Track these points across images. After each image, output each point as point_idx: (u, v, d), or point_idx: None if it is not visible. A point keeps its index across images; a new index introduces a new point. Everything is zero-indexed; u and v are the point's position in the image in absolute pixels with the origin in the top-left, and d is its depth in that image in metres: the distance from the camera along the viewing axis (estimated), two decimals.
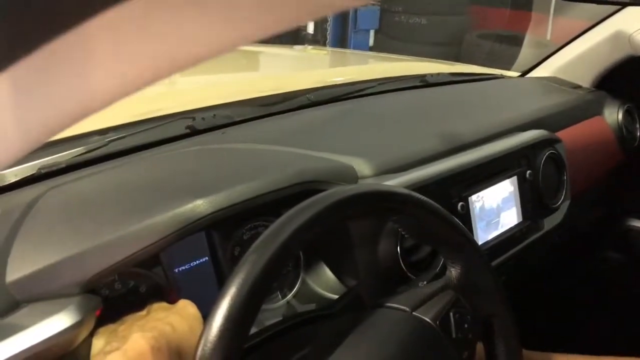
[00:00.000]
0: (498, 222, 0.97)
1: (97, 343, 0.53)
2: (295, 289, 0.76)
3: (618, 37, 1.40)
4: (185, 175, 0.71)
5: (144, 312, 0.59)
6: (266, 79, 1.41)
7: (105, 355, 0.50)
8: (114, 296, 0.61)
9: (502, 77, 1.54)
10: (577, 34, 1.50)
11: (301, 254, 0.77)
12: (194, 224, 0.61)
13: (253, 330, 0.50)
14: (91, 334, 0.54)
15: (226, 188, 0.64)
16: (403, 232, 0.62)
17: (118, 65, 0.22)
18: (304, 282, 0.77)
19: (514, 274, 1.04)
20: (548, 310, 1.65)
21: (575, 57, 1.50)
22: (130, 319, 0.57)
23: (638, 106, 1.49)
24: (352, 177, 0.77)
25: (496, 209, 0.96)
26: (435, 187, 0.81)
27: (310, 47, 2.33)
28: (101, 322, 0.55)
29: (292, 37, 3.66)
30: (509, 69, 1.64)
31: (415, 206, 0.57)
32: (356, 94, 1.15)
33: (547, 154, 1.07)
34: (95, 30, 0.19)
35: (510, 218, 1.00)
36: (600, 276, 1.56)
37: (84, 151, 0.76)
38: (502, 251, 0.96)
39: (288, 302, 0.76)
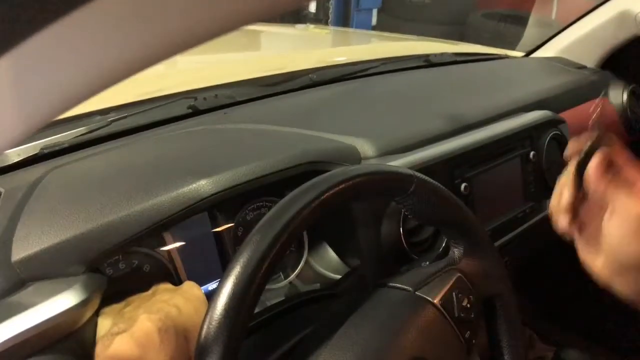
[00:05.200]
0: (501, 203, 0.97)
1: (103, 323, 0.54)
2: (298, 269, 0.77)
3: (624, 17, 1.39)
4: (188, 155, 0.71)
5: (149, 293, 0.59)
6: (268, 59, 1.40)
7: (112, 337, 0.50)
8: (118, 275, 0.61)
9: (506, 57, 1.53)
10: (582, 13, 1.48)
11: (304, 234, 0.77)
12: (198, 204, 0.61)
13: (256, 310, 0.50)
14: (96, 314, 0.54)
15: (229, 168, 0.64)
16: (406, 213, 0.62)
17: (119, 47, 0.21)
18: (307, 263, 0.78)
19: (516, 255, 1.04)
20: (550, 290, 1.66)
21: (580, 37, 1.48)
22: (136, 299, 0.57)
23: None
24: (355, 157, 0.77)
25: (499, 189, 0.96)
26: (439, 167, 0.81)
27: (312, 26, 2.30)
28: (106, 301, 0.56)
29: (294, 16, 3.62)
30: (513, 49, 1.62)
31: (419, 187, 0.57)
32: (359, 74, 1.14)
33: (550, 134, 1.07)
34: (95, 12, 0.19)
35: (513, 199, 1.00)
36: None
37: (86, 131, 0.75)
38: (505, 232, 0.97)
39: (291, 282, 0.76)
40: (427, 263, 0.76)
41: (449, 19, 3.92)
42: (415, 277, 0.61)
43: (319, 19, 4.03)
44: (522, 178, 1.01)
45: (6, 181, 0.63)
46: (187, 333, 0.53)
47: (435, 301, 0.58)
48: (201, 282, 0.67)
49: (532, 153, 1.02)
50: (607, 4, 1.43)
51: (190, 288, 0.59)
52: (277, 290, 0.75)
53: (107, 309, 0.56)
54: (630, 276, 0.48)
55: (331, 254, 0.78)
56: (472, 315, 0.61)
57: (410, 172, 0.57)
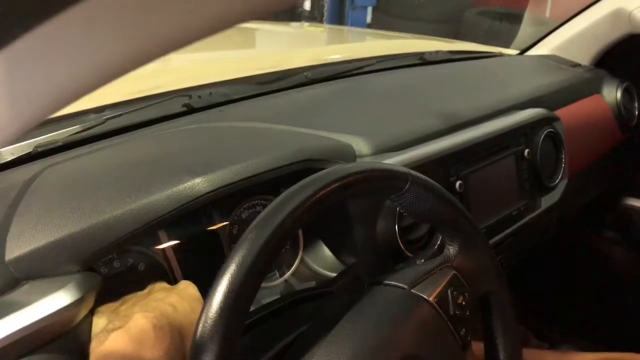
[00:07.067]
0: (496, 201, 0.97)
1: (99, 322, 0.53)
2: (293, 267, 0.77)
3: (618, 15, 1.39)
4: (183, 153, 0.70)
5: (145, 292, 0.59)
6: (263, 57, 1.40)
7: (107, 334, 0.50)
8: (113, 274, 0.61)
9: (501, 55, 1.53)
10: (576, 11, 1.49)
11: (300, 232, 0.77)
12: (192, 202, 0.61)
13: (252, 308, 0.50)
14: (92, 313, 0.54)
15: (224, 166, 0.64)
16: (401, 211, 0.62)
17: (113, 45, 0.21)
18: (302, 261, 0.78)
19: (511, 252, 1.04)
20: (545, 288, 1.67)
21: (574, 35, 1.49)
22: (131, 298, 0.57)
23: (637, 85, 1.49)
24: (350, 155, 0.77)
25: (494, 187, 0.96)
26: (434, 165, 0.81)
27: (307, 24, 2.30)
28: (101, 300, 0.56)
29: (289, 14, 3.62)
30: (508, 47, 1.63)
31: (414, 185, 0.57)
32: (354, 72, 1.14)
33: (545, 132, 1.07)
34: (89, 10, 0.19)
35: (508, 197, 1.00)
36: (596, 255, 1.57)
37: (80, 129, 0.75)
38: (500, 229, 0.97)
39: (286, 280, 0.76)
40: (423, 261, 0.77)
41: (444, 17, 3.92)
42: (410, 275, 0.61)
43: (314, 16, 4.03)
44: (516, 176, 1.01)
45: (0, 180, 0.63)
46: (183, 331, 0.53)
47: (430, 299, 0.58)
48: (196, 281, 0.67)
49: (526, 151, 1.02)
50: (601, 2, 1.43)
51: (186, 287, 0.59)
52: (272, 288, 0.75)
53: (102, 308, 0.56)
54: None
55: (326, 252, 0.79)
56: (467, 313, 0.61)
57: (405, 170, 0.57)
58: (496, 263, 0.66)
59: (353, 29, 3.31)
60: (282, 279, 0.76)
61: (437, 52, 1.34)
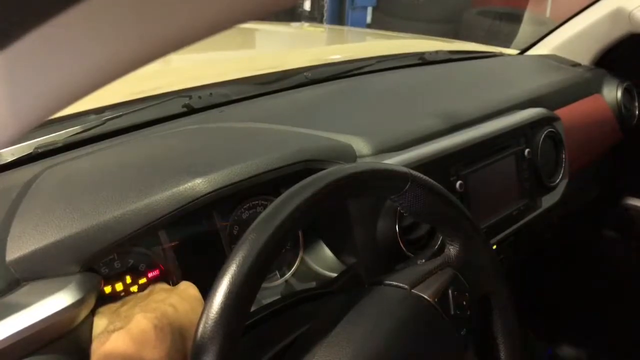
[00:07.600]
0: (496, 201, 0.97)
1: (100, 322, 0.53)
2: (294, 267, 0.77)
3: (618, 14, 1.39)
4: (183, 153, 0.70)
5: (145, 293, 0.59)
6: (263, 57, 1.40)
7: (108, 334, 0.50)
8: (113, 275, 0.61)
9: (501, 54, 1.53)
10: (576, 11, 1.49)
11: (300, 232, 0.77)
12: (193, 202, 0.61)
13: (252, 308, 0.50)
14: (92, 313, 0.54)
15: (225, 167, 0.64)
16: (402, 211, 0.62)
17: (112, 45, 0.21)
18: (302, 261, 0.78)
19: (511, 252, 1.04)
20: (545, 287, 1.67)
21: (574, 34, 1.49)
22: (132, 299, 0.57)
23: (637, 84, 1.49)
24: (350, 156, 0.77)
25: (494, 187, 0.96)
26: (434, 165, 0.81)
27: (307, 24, 2.30)
28: (102, 301, 0.56)
29: (289, 14, 3.62)
30: (508, 47, 1.63)
31: (414, 184, 0.57)
32: (354, 72, 1.14)
33: (545, 132, 1.07)
34: (88, 11, 0.19)
35: (508, 196, 1.00)
36: (596, 255, 1.57)
37: (80, 130, 0.75)
38: (500, 229, 0.97)
39: (287, 280, 0.76)
40: (423, 261, 0.77)
41: (444, 17, 3.92)
42: (411, 275, 0.61)
43: (314, 17, 4.04)
44: (517, 175, 1.01)
45: (0, 181, 0.63)
46: (184, 331, 0.53)
47: (431, 299, 0.58)
48: (197, 281, 0.67)
49: (527, 150, 1.02)
50: (601, 2, 1.43)
51: (187, 288, 0.59)
52: (273, 288, 0.75)
53: (103, 308, 0.56)
54: None
55: (327, 252, 0.79)
56: (468, 313, 0.61)
57: (405, 170, 0.57)
58: (497, 263, 0.66)
59: (353, 29, 3.31)
60: (283, 279, 0.76)
61: (437, 52, 1.34)
